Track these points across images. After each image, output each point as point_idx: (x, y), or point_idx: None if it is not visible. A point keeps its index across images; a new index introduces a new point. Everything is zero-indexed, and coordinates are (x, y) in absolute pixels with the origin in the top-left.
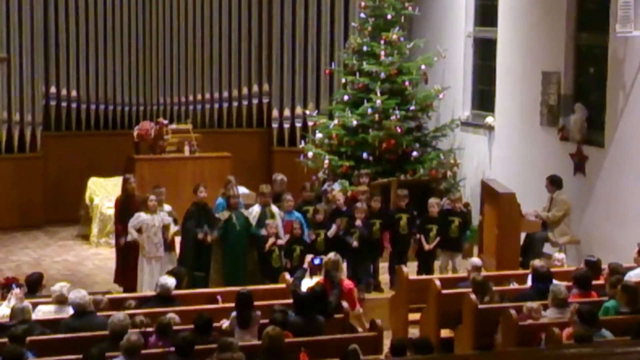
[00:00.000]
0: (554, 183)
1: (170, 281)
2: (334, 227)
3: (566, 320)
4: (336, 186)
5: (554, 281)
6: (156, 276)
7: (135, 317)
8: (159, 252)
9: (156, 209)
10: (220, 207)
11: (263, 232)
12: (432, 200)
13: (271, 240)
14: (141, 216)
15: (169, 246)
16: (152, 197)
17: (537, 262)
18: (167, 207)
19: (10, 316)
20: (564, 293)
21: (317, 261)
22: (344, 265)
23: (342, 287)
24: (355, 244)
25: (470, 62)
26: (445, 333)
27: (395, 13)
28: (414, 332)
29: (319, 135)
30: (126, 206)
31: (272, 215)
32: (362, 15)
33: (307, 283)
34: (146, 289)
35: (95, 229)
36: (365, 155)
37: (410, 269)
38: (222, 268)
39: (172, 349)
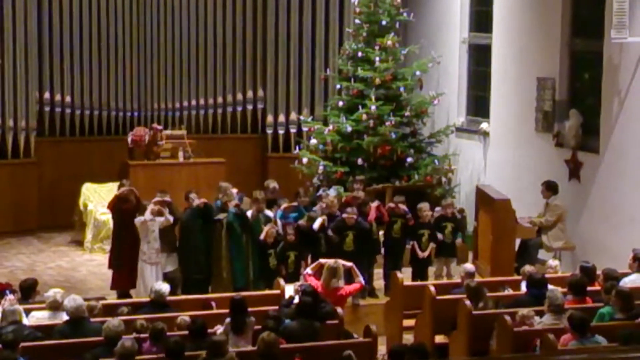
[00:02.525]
0: (550, 189)
1: (165, 287)
2: (319, 220)
3: (562, 327)
4: (331, 192)
5: (550, 287)
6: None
7: (137, 321)
8: (158, 258)
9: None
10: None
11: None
12: (422, 205)
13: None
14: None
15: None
16: (152, 205)
17: (528, 268)
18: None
19: (1, 319)
20: (561, 299)
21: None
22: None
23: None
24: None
25: (465, 68)
26: (439, 339)
27: (390, 19)
28: (408, 338)
29: (313, 141)
30: (120, 209)
31: (269, 221)
32: (357, 21)
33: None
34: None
35: (89, 234)
36: (360, 161)
37: (405, 275)
38: (230, 266)
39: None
